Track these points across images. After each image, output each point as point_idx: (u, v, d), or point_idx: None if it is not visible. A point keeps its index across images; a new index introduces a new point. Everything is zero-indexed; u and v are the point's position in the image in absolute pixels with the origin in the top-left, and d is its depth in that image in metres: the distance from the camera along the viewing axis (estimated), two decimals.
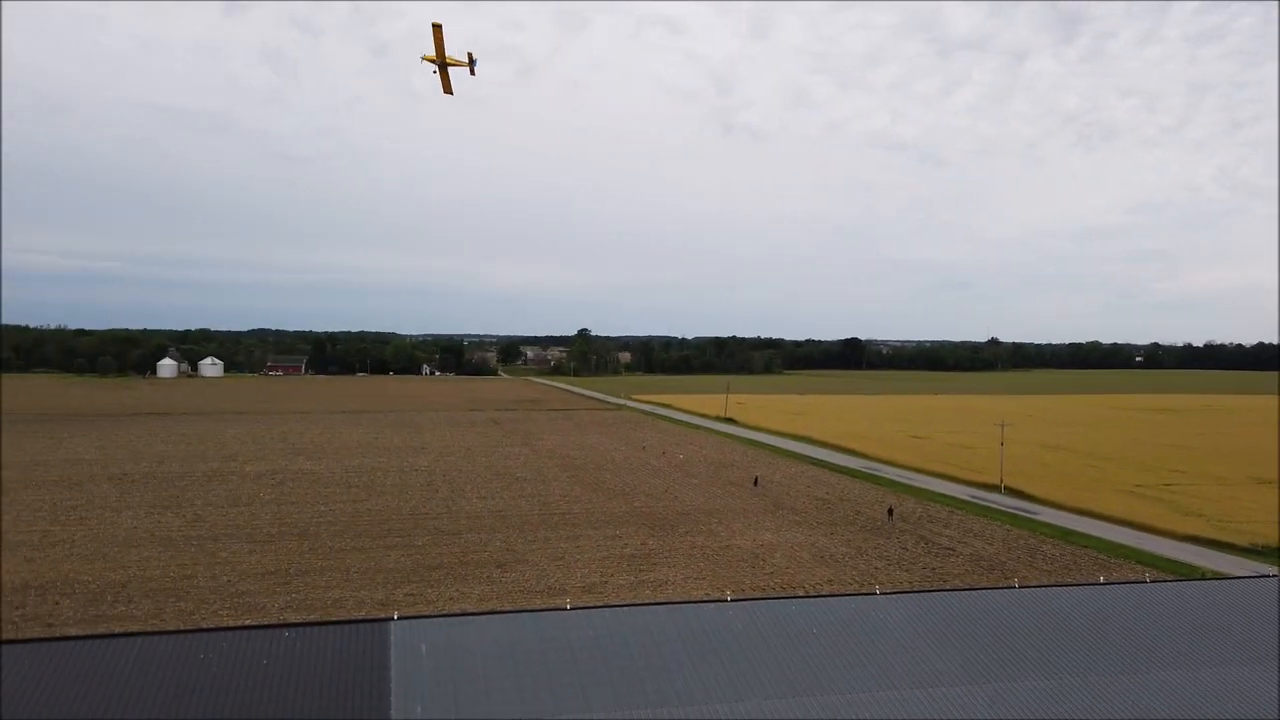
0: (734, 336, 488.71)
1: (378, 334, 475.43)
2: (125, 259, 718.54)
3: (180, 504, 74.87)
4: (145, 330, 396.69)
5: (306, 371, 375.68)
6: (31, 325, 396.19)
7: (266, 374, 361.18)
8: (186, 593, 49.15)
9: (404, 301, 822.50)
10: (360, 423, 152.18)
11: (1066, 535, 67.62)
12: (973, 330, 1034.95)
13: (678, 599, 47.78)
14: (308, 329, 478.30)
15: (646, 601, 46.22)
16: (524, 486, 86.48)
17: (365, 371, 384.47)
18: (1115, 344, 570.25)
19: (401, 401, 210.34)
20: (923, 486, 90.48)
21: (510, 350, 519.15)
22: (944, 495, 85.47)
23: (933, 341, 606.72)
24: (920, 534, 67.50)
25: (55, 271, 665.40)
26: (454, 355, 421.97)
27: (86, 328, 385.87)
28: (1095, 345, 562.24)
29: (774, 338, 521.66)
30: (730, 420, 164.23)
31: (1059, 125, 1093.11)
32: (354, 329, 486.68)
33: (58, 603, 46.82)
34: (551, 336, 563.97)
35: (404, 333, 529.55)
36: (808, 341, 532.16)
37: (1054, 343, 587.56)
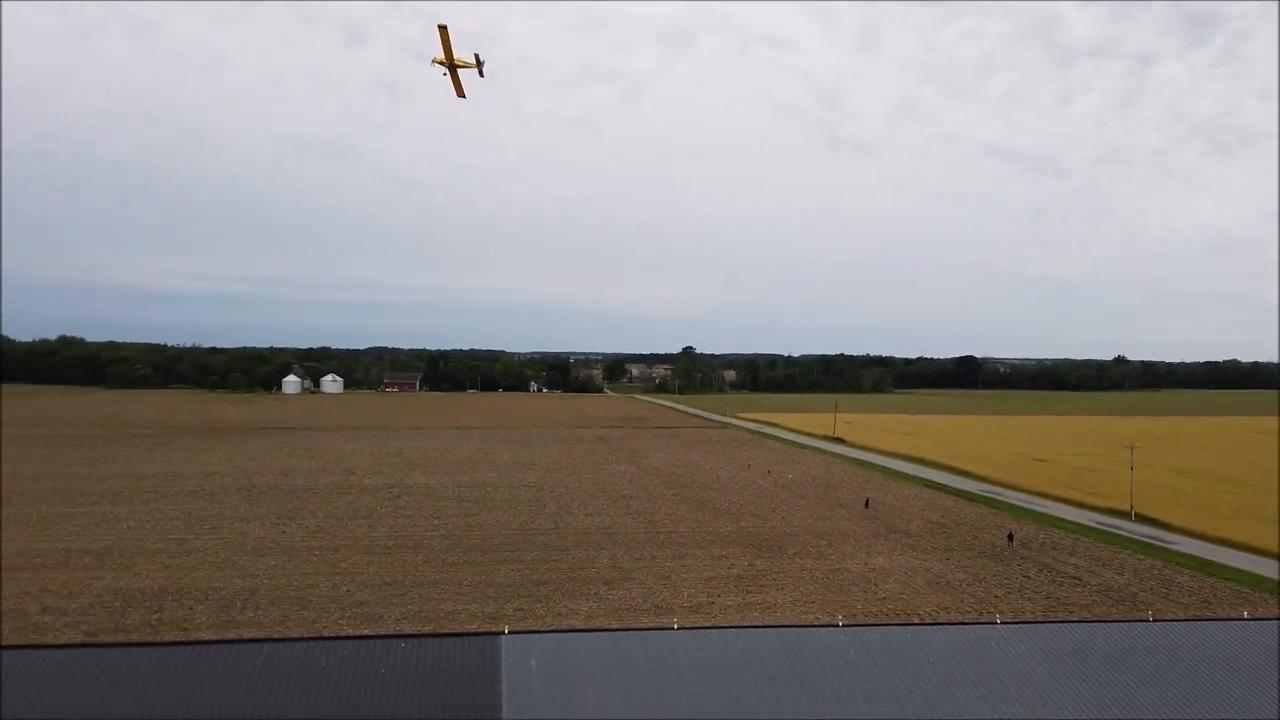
0: (842, 354, 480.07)
1: (487, 352, 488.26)
2: (253, 281, 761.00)
3: (304, 515, 78.19)
4: (272, 348, 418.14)
5: (420, 388, 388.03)
6: (169, 344, 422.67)
7: (383, 390, 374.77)
8: (309, 601, 51.17)
9: (512, 320, 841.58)
10: (471, 438, 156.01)
11: (1204, 566, 63.38)
12: (1097, 347, 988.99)
13: (787, 622, 46.96)
14: (421, 347, 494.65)
15: (755, 624, 45.59)
16: (630, 504, 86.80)
17: (476, 388, 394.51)
18: (1255, 363, 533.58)
19: (510, 418, 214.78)
20: (1045, 511, 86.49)
21: (615, 368, 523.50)
22: (1068, 521, 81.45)
23: (1054, 359, 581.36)
24: (1043, 561, 64.45)
25: (191, 293, 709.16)
26: (561, 372, 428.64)
27: (219, 346, 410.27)
28: (1234, 364, 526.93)
29: (884, 355, 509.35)
30: (839, 440, 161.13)
31: (1189, 133, 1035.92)
32: (464, 347, 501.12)
33: (192, 608, 49.43)
34: (656, 354, 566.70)
35: (512, 350, 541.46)
36: (919, 359, 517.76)
37: (1186, 361, 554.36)
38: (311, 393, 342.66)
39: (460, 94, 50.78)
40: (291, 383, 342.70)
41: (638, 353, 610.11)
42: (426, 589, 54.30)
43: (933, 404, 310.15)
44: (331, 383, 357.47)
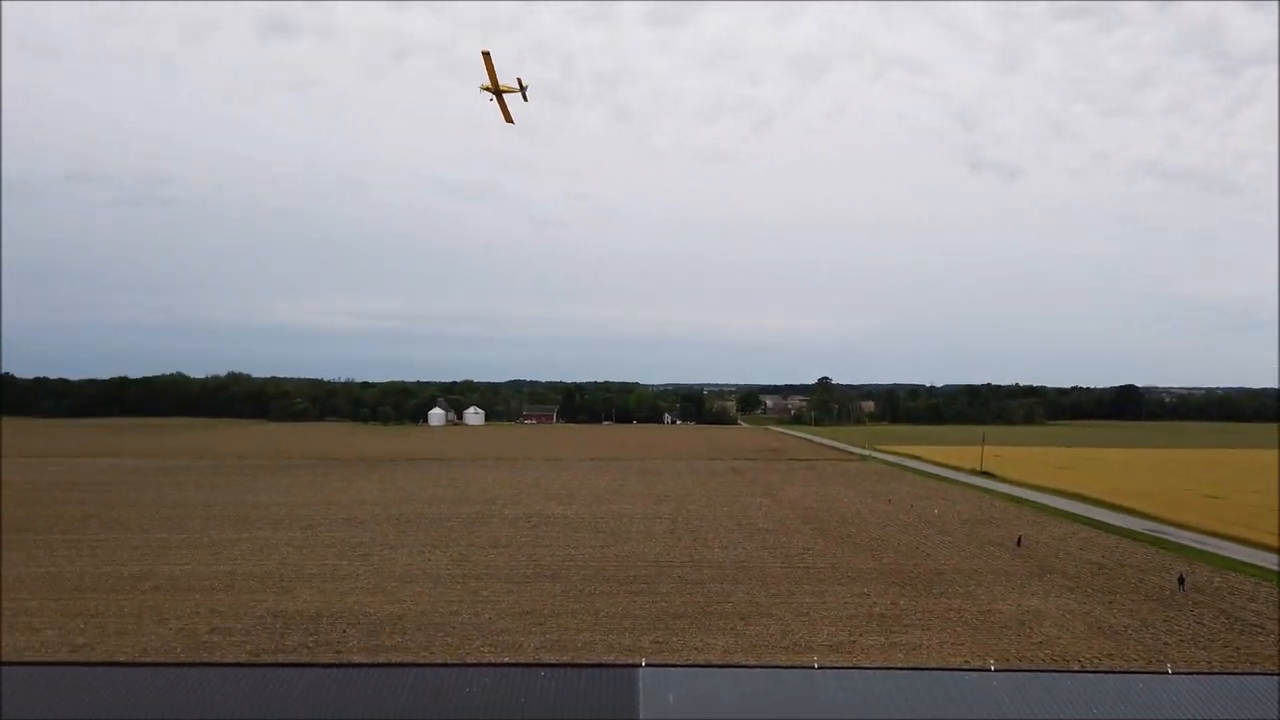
0: (988, 384, 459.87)
1: (621, 384, 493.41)
2: (402, 317, 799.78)
3: (448, 544, 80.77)
4: (418, 382, 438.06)
5: (557, 420, 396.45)
6: (325, 379, 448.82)
7: (522, 422, 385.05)
8: (453, 628, 52.61)
9: (645, 352, 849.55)
10: (606, 470, 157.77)
11: None
12: (1275, 376, 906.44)
13: (934, 665, 44.83)
14: (558, 380, 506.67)
15: (900, 666, 43.78)
16: (766, 537, 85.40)
17: (610, 420, 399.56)
18: None
19: (644, 449, 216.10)
20: (1220, 553, 79.63)
21: (749, 399, 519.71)
22: (1248, 564, 74.65)
23: (1226, 388, 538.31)
24: (1219, 607, 59.19)
25: (346, 331, 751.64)
26: (694, 404, 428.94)
27: (370, 380, 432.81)
28: None
29: (1034, 385, 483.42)
30: (987, 474, 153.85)
31: None
32: (599, 379, 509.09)
33: (345, 631, 51.69)
34: (791, 385, 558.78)
35: (646, 382, 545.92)
36: (1074, 389, 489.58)
37: None
38: (455, 424, 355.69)
39: (508, 119, 51.45)
40: (436, 415, 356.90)
41: (772, 384, 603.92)
42: (564, 619, 54.88)
43: (1091, 436, 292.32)
44: (474, 415, 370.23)
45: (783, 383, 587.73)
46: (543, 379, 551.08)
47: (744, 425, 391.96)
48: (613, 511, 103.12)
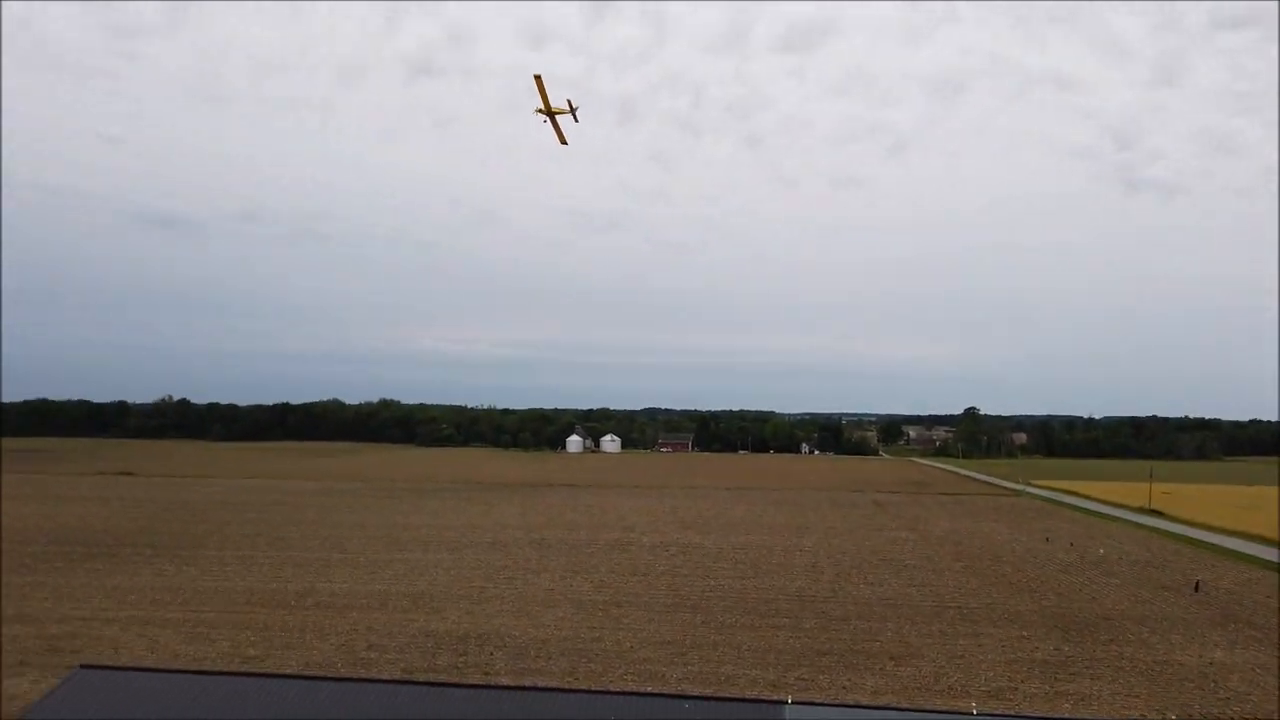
0: (1154, 416, 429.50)
1: (757, 413, 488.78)
2: (540, 345, 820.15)
3: (588, 570, 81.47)
4: (556, 409, 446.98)
5: (693, 448, 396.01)
6: (469, 406, 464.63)
7: (658, 450, 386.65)
8: (595, 654, 52.77)
9: (781, 381, 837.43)
10: (743, 499, 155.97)
11: None
12: None
13: (1107, 717, 41.63)
14: (693, 408, 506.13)
15: (1068, 716, 40.93)
16: (913, 574, 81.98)
17: (746, 449, 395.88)
18: None
19: (782, 479, 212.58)
20: None
21: (891, 429, 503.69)
22: None
23: None
24: None
25: (488, 359, 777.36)
26: (832, 434, 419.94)
27: (511, 408, 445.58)
28: None
29: (1207, 418, 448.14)
30: (1156, 513, 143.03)
31: None
32: (734, 408, 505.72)
33: (492, 654, 52.70)
34: (935, 415, 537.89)
35: (782, 411, 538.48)
36: (1252, 422, 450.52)
37: None
38: (592, 451, 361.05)
39: (562, 141, 51.57)
40: (574, 442, 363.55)
41: (914, 414, 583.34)
42: (705, 650, 54.15)
43: (1272, 474, 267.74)
44: (610, 442, 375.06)
45: (926, 413, 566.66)
46: (677, 407, 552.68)
47: (885, 457, 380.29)
48: (751, 542, 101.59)
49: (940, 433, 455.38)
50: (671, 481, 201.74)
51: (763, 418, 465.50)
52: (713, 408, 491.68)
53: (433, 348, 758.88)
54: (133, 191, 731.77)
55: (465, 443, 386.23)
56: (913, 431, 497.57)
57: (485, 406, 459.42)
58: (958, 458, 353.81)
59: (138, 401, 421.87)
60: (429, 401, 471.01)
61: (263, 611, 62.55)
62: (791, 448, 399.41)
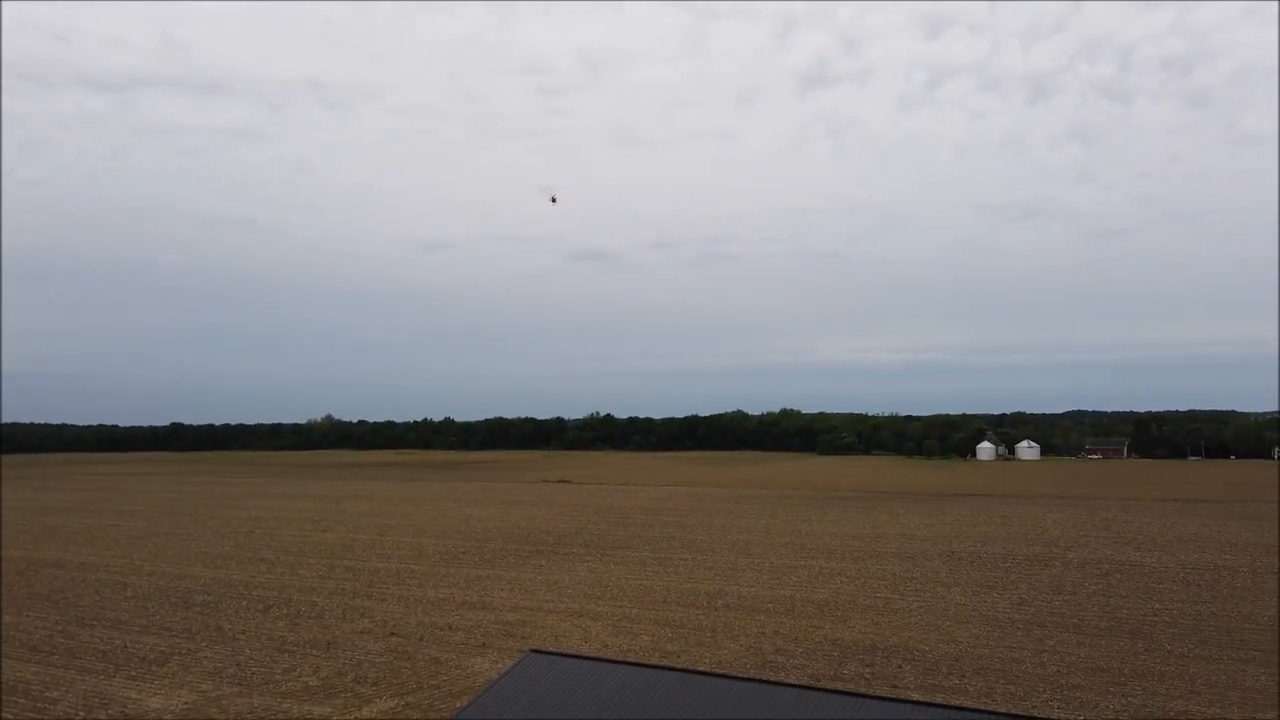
0: None
1: (1212, 412, 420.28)
2: (946, 349, 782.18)
3: (1004, 586, 75.72)
4: (964, 415, 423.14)
5: (1128, 454, 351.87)
6: (869, 413, 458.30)
7: (1084, 457, 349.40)
8: (1015, 676, 48.75)
9: (1245, 375, 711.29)
10: (1194, 512, 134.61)
11: None
12: None
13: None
14: (1127, 409, 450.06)
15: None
16: None
17: (1198, 455, 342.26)
18: None
19: (1249, 490, 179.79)
20: None
21: None
22: None
23: None
24: None
25: (888, 365, 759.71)
26: None
27: (914, 414, 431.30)
28: None
29: None
30: None
31: None
32: (1181, 407, 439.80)
33: (900, 667, 51.01)
34: None
35: (1245, 410, 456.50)
36: None
37: None
38: (1006, 459, 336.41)
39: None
40: (985, 449, 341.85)
41: None
42: (1150, 681, 47.41)
43: None
44: (1027, 449, 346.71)
45: None
46: (1107, 409, 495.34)
47: None
48: (1207, 561, 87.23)
49: None
50: (1102, 492, 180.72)
51: (1220, 418, 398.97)
52: (1153, 408, 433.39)
53: (832, 357, 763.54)
54: (570, 234, 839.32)
55: (866, 451, 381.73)
56: None
57: (887, 414, 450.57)
58: None
59: (572, 417, 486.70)
60: (829, 410, 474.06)
61: (679, 610, 66.87)
62: (1260, 452, 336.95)
